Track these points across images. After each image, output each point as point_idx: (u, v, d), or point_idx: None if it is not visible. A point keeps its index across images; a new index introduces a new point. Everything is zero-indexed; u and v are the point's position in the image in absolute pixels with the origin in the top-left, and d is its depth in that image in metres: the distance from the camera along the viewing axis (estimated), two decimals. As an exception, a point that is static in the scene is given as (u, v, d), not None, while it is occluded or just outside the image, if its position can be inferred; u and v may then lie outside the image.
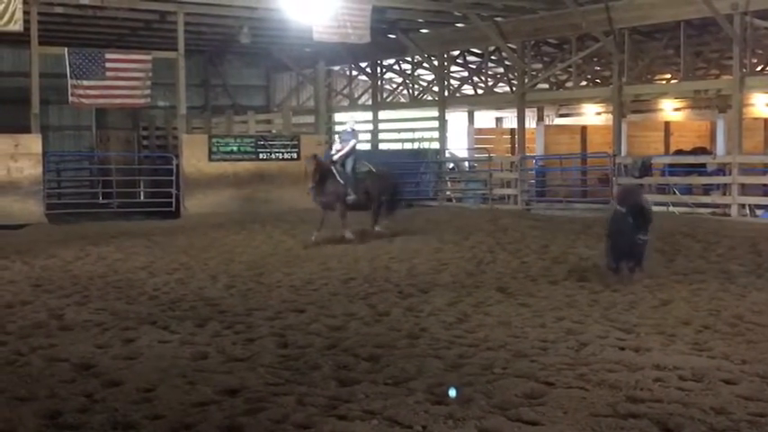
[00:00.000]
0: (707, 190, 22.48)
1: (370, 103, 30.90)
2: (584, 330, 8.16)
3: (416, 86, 30.35)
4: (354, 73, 31.73)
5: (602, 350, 7.33)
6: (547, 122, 30.37)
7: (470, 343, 7.72)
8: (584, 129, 29.66)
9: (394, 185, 16.88)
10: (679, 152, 26.73)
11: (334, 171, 15.56)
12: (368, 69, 30.78)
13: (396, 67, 30.73)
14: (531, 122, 28.61)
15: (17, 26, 19.09)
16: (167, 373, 6.85)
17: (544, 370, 6.66)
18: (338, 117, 32.32)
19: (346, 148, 15.82)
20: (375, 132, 30.37)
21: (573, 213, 21.28)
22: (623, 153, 23.21)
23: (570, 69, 26.01)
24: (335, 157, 15.77)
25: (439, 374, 6.61)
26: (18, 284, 11.54)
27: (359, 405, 5.84)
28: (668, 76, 27.40)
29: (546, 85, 27.72)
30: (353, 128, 16.37)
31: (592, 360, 7.01)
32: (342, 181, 15.53)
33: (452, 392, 5.98)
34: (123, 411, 5.84)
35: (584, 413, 5.57)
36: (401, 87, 31.33)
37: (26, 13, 19.36)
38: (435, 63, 27.88)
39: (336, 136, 16.66)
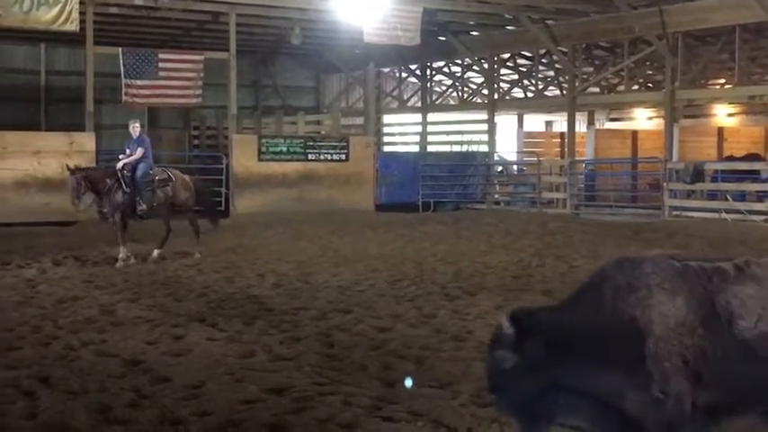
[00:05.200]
0: (760, 197, 22.08)
1: (419, 105, 30.89)
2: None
3: (466, 89, 30.28)
4: (404, 75, 31.74)
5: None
6: (597, 126, 30.08)
7: (517, 347, 7.67)
8: (635, 133, 29.32)
9: (203, 193, 15.17)
10: (730, 158, 26.30)
11: (121, 179, 13.76)
12: (417, 71, 30.77)
13: (445, 69, 30.68)
14: (581, 126, 28.36)
15: (73, 26, 19.42)
16: (215, 370, 6.92)
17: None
18: (387, 119, 32.40)
19: (134, 156, 13.99)
20: (424, 135, 30.35)
21: (622, 218, 21.05)
22: (675, 158, 22.90)
23: (622, 73, 25.74)
24: (119, 165, 13.92)
25: (485, 378, 6.57)
26: (70, 280, 11.74)
27: (404, 406, 5.84)
28: (722, 80, 26.98)
29: (597, 89, 27.48)
30: (141, 134, 14.43)
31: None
32: (127, 190, 13.75)
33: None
34: (171, 407, 5.91)
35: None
36: (450, 90, 31.29)
37: (82, 13, 19.67)
38: (485, 66, 27.78)
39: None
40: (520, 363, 4.06)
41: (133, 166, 13.92)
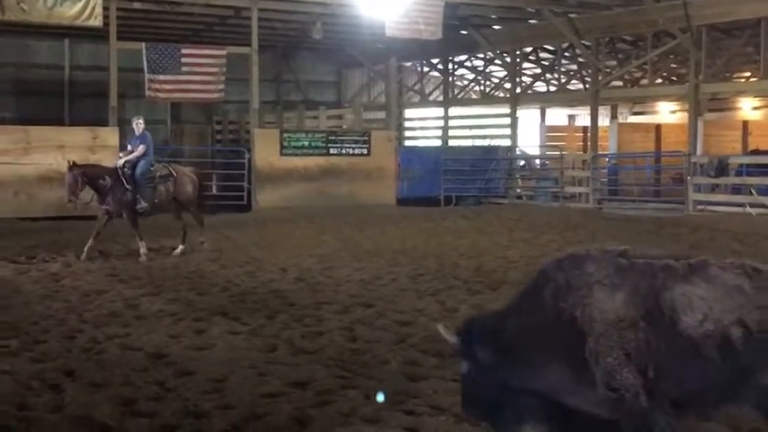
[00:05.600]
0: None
1: (441, 99, 30.83)
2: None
3: (488, 83, 30.18)
4: (426, 69, 31.68)
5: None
6: (620, 120, 29.89)
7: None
8: (658, 127, 29.09)
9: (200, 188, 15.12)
10: (755, 152, 26.06)
11: (121, 176, 13.77)
12: (439, 65, 30.69)
13: (467, 63, 30.59)
14: (604, 120, 28.20)
15: (97, 21, 19.53)
16: (238, 364, 6.95)
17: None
18: (408, 113, 32.34)
19: (135, 153, 13.98)
20: (446, 129, 30.30)
21: (646, 213, 20.93)
22: (699, 152, 22.73)
23: (645, 67, 25.54)
24: (120, 162, 13.94)
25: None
26: (94, 274, 11.83)
27: (426, 401, 5.84)
28: (747, 74, 26.73)
29: (620, 83, 27.30)
30: (144, 130, 14.36)
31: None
32: (129, 187, 13.75)
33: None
34: (195, 401, 5.94)
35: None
36: (473, 84, 31.20)
37: (106, 8, 19.77)
38: (507, 60, 27.67)
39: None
40: (472, 369, 4.15)
41: (134, 164, 13.90)
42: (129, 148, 14.23)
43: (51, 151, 19.57)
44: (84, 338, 7.91)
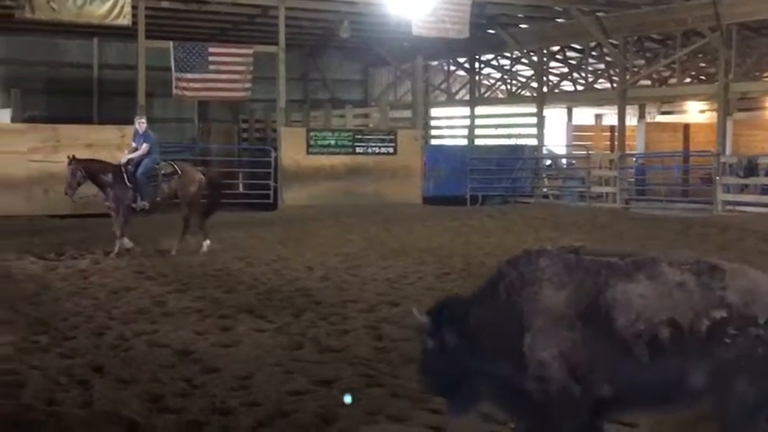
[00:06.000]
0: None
1: (467, 98, 30.77)
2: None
3: (515, 82, 30.08)
4: (452, 68, 31.64)
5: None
6: (648, 120, 29.71)
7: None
8: (686, 126, 28.90)
9: (216, 186, 14.84)
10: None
11: (124, 173, 13.74)
12: (466, 64, 30.64)
13: (494, 62, 30.52)
14: (631, 119, 28.02)
15: (126, 20, 19.69)
16: (264, 361, 6.98)
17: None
18: (435, 112, 32.31)
19: (138, 152, 13.95)
20: (472, 128, 30.24)
21: (674, 213, 20.79)
22: (728, 152, 22.54)
23: (674, 66, 25.35)
24: (123, 160, 13.91)
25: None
26: (122, 271, 11.92)
27: (452, 400, 5.83)
28: (777, 73, 26.49)
29: (648, 82, 27.12)
30: (147, 129, 14.33)
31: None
32: (129, 184, 13.72)
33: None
34: (221, 397, 5.98)
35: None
36: (499, 83, 31.12)
37: (134, 7, 19.92)
38: (534, 59, 27.57)
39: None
40: (437, 347, 4.33)
41: (137, 162, 13.90)
42: (134, 146, 14.25)
43: (80, 149, 19.44)
44: (112, 335, 7.97)
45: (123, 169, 13.79)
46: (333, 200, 21.68)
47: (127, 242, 13.64)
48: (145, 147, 14.02)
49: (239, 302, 9.58)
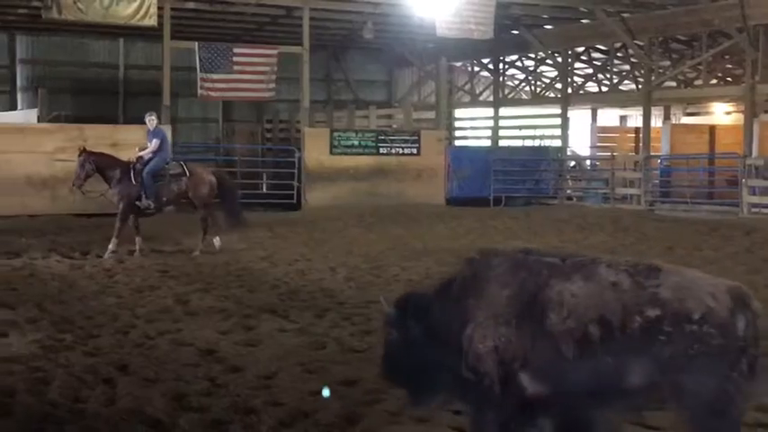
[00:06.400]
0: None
1: (491, 99, 30.70)
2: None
3: (539, 83, 29.98)
4: (476, 69, 31.57)
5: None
6: (673, 121, 29.50)
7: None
8: (712, 128, 28.64)
9: (229, 189, 14.69)
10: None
11: (131, 170, 13.71)
12: (490, 65, 30.56)
13: (518, 63, 30.42)
14: (656, 121, 27.84)
15: (152, 21, 19.80)
16: (286, 361, 7.00)
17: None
18: (459, 113, 32.26)
19: (149, 149, 13.96)
20: (496, 129, 30.17)
21: (699, 215, 20.64)
22: (754, 154, 22.33)
23: (700, 67, 25.16)
24: (134, 157, 13.88)
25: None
26: (146, 270, 11.99)
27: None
28: (806, 74, 26.21)
29: (673, 83, 26.92)
30: (158, 126, 14.44)
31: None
32: (135, 182, 13.64)
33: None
34: (244, 397, 6.00)
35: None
36: (523, 84, 31.01)
37: (160, 8, 20.03)
38: (559, 59, 27.45)
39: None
40: (400, 339, 4.47)
41: (147, 160, 13.86)
42: (148, 144, 14.23)
43: (105, 149, 19.75)
44: (136, 333, 8.02)
45: (131, 167, 13.78)
46: (356, 200, 21.68)
47: (112, 246, 13.37)
48: (155, 143, 14.01)
49: (262, 302, 9.62)
